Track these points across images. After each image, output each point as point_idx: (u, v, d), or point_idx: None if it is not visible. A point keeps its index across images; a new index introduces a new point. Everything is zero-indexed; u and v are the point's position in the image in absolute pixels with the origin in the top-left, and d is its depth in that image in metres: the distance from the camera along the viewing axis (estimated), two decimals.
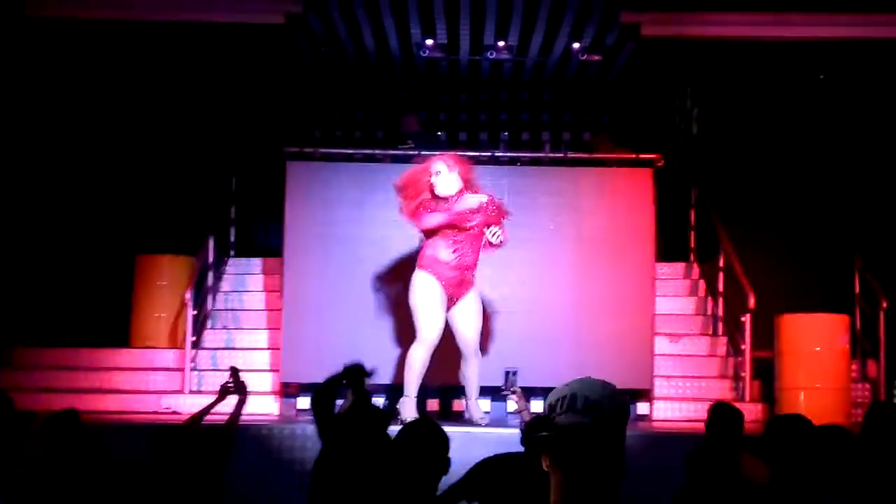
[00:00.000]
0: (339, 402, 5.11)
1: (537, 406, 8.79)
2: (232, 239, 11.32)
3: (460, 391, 8.51)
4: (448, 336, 7.94)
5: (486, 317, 8.45)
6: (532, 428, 3.24)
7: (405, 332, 8.95)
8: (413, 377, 7.71)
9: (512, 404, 8.73)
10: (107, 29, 10.13)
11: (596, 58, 11.19)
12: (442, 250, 7.68)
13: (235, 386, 5.57)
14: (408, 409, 7.67)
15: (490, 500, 4.44)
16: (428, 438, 3.78)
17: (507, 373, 6.02)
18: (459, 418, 8.44)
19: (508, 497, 4.08)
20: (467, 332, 7.87)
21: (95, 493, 4.98)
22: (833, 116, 11.23)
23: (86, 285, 10.91)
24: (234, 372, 5.66)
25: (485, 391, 9.13)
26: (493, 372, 8.83)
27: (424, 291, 7.69)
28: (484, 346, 8.89)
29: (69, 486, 4.86)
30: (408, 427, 3.90)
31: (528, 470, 4.25)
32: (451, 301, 7.78)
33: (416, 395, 7.79)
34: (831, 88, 11.21)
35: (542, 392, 8.55)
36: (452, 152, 8.38)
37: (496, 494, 4.33)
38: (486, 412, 8.35)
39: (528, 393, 6.57)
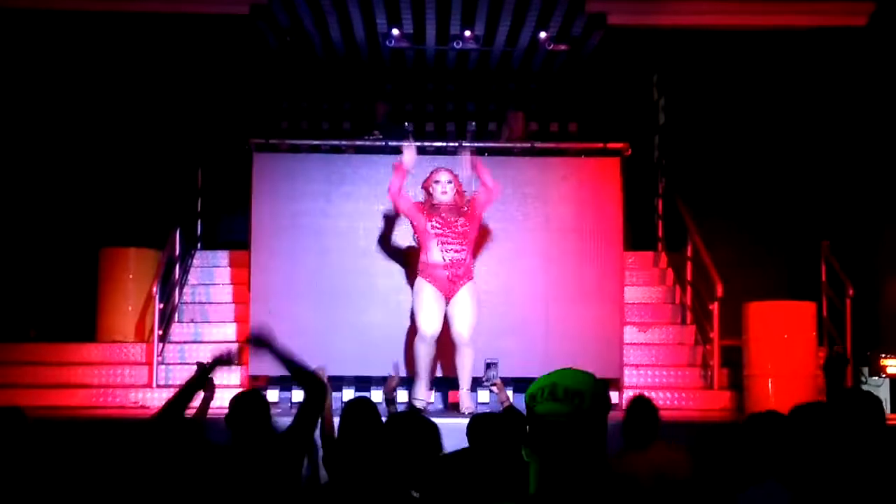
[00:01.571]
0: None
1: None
2: (198, 231, 11.25)
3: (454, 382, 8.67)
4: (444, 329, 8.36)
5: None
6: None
7: (372, 323, 8.95)
8: (421, 366, 8.29)
9: (487, 395, 8.77)
10: (71, 20, 10.01)
11: (562, 47, 11.18)
12: (431, 251, 8.27)
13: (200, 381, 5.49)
14: (419, 391, 8.30)
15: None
16: (415, 430, 3.75)
17: (488, 364, 6.02)
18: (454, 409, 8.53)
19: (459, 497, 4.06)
20: (459, 326, 8.28)
21: (44, 492, 4.92)
22: (800, 105, 11.29)
23: (51, 279, 10.81)
24: (201, 368, 5.58)
25: (456, 382, 9.16)
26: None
27: (419, 294, 8.33)
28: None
29: (14, 485, 4.79)
30: (395, 419, 3.88)
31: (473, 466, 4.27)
32: (448, 297, 8.28)
33: (427, 378, 8.33)
34: (798, 77, 11.27)
35: (513, 382, 8.58)
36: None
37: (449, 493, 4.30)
38: (483, 403, 8.88)
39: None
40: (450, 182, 8.34)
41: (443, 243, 8.26)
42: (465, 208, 8.38)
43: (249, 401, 4.52)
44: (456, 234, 8.28)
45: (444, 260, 8.23)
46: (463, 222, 8.31)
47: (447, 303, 8.28)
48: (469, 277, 8.34)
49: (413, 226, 8.45)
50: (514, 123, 10.72)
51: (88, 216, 11.10)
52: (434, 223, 8.28)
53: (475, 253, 8.61)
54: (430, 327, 8.25)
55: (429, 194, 8.40)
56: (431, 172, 8.46)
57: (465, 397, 8.30)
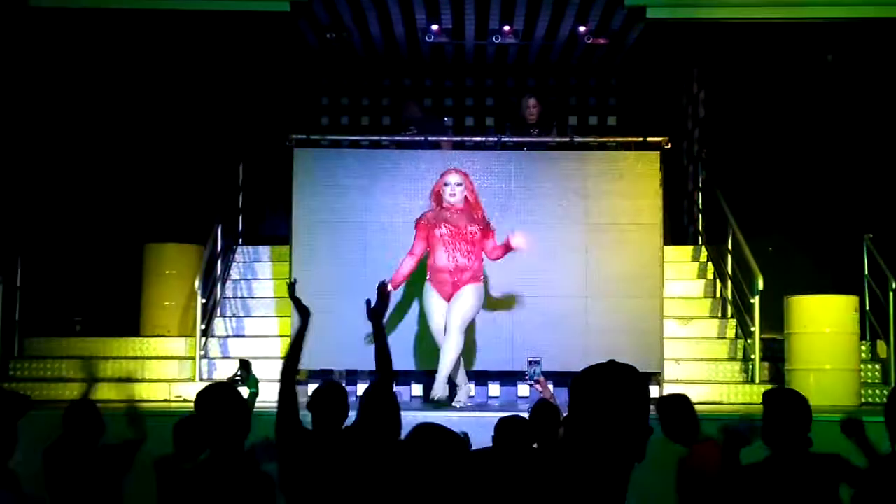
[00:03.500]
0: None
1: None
2: (240, 227, 11.34)
3: (470, 376, 8.69)
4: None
5: (492, 305, 8.91)
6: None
7: (412, 318, 9.00)
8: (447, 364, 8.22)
9: (527, 389, 8.80)
10: (112, 18, 10.12)
11: (602, 41, 11.17)
12: (438, 256, 8.26)
13: (244, 380, 5.58)
14: (459, 393, 8.39)
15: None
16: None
17: (530, 362, 6.02)
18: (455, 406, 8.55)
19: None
20: (451, 314, 8.18)
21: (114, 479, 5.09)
22: (841, 97, 11.20)
23: (95, 274, 10.93)
24: (245, 365, 5.65)
25: (495, 376, 9.20)
26: (504, 357, 8.89)
27: (426, 303, 8.40)
28: (493, 331, 8.93)
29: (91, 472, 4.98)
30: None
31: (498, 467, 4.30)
32: (449, 299, 8.26)
33: (445, 380, 8.19)
34: (839, 69, 11.17)
35: (554, 377, 8.58)
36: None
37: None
38: (524, 397, 8.94)
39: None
40: (459, 184, 8.29)
41: (450, 249, 8.21)
42: (480, 224, 8.29)
43: (331, 392, 4.64)
44: (466, 241, 8.22)
45: (450, 265, 8.20)
46: (474, 231, 8.25)
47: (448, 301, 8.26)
48: (475, 279, 8.29)
49: (427, 243, 8.37)
50: (528, 109, 10.59)
51: (132, 212, 11.22)
52: (444, 229, 8.25)
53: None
54: (439, 337, 8.30)
55: (438, 198, 8.37)
56: (442, 174, 8.43)
57: (437, 384, 8.09)
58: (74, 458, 5.01)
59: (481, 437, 5.65)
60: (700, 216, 11.19)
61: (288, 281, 5.17)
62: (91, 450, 5.03)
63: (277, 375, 9.22)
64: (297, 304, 4.88)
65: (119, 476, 5.12)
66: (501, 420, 4.81)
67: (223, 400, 3.91)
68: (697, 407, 5.27)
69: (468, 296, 8.19)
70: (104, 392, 8.80)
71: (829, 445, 4.31)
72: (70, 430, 5.04)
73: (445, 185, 8.30)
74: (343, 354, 8.95)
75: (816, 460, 4.16)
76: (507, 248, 8.15)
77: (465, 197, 8.32)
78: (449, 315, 8.17)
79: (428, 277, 8.35)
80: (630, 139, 9.86)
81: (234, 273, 10.72)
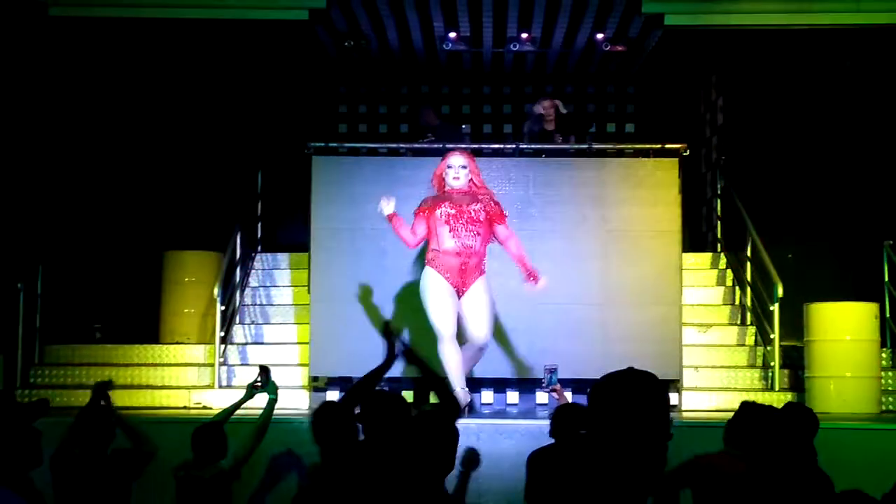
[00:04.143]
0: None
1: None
2: (259, 234, 11.38)
3: (488, 383, 8.65)
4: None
5: (509, 312, 8.80)
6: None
7: (430, 325, 8.98)
8: (453, 371, 7.66)
9: (545, 397, 8.77)
10: (132, 27, 10.19)
11: (619, 48, 11.18)
12: (443, 238, 7.79)
13: (264, 385, 5.60)
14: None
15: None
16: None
17: (547, 370, 6.01)
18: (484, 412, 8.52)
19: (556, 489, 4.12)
20: (476, 327, 7.80)
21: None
22: (859, 103, 11.16)
23: (115, 282, 10.99)
24: (264, 370, 5.66)
25: (513, 383, 9.18)
26: (521, 365, 8.88)
27: (430, 289, 7.77)
28: (511, 339, 8.91)
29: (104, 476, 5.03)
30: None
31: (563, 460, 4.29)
32: (460, 291, 7.79)
33: (463, 385, 7.73)
34: (858, 75, 11.14)
35: (572, 384, 8.58)
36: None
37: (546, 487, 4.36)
38: (542, 404, 8.72)
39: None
40: (463, 167, 7.85)
41: (455, 229, 7.75)
42: (487, 204, 7.82)
43: (387, 402, 4.58)
44: (469, 220, 7.76)
45: (457, 247, 7.73)
46: (477, 209, 7.78)
47: (459, 297, 7.77)
48: (481, 271, 7.85)
49: (428, 228, 7.95)
50: (548, 111, 10.58)
51: (152, 220, 11.28)
52: (445, 208, 7.80)
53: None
54: (447, 327, 7.69)
55: (441, 182, 7.96)
56: (444, 156, 8.09)
57: (461, 392, 7.62)
58: (82, 464, 5.04)
59: (500, 445, 5.67)
60: (719, 223, 11.16)
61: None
62: (100, 455, 5.06)
63: (297, 382, 9.26)
64: (390, 343, 5.02)
65: (128, 482, 5.15)
66: (558, 409, 4.89)
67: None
68: (717, 415, 5.29)
69: (483, 298, 7.80)
70: (123, 399, 8.92)
71: (847, 454, 4.30)
72: (79, 435, 5.07)
73: (449, 167, 7.89)
74: (360, 361, 8.92)
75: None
76: (527, 272, 7.85)
77: (471, 181, 7.90)
78: (475, 329, 7.76)
79: (429, 260, 7.87)
80: (648, 146, 9.84)
81: (253, 280, 10.76)
